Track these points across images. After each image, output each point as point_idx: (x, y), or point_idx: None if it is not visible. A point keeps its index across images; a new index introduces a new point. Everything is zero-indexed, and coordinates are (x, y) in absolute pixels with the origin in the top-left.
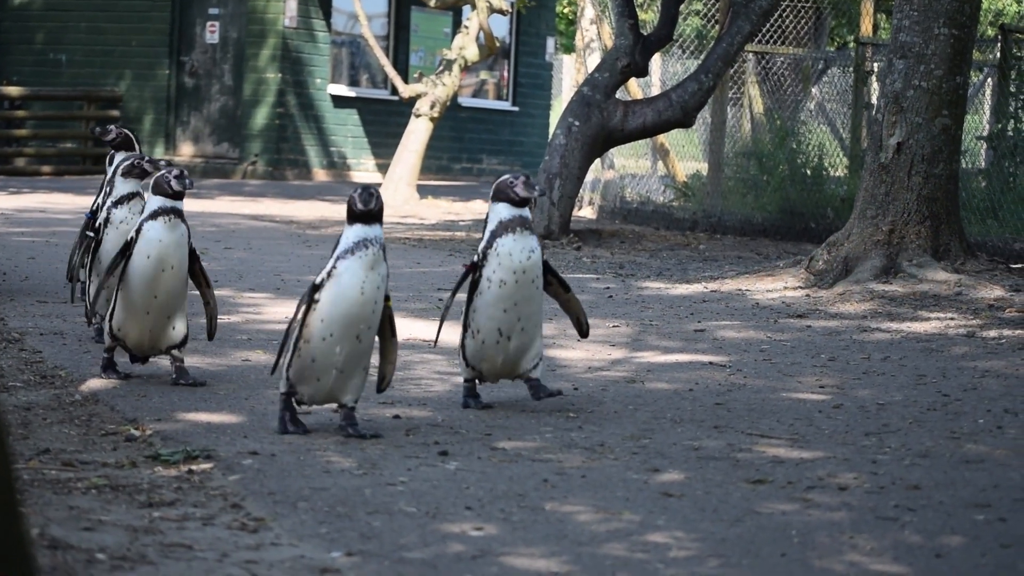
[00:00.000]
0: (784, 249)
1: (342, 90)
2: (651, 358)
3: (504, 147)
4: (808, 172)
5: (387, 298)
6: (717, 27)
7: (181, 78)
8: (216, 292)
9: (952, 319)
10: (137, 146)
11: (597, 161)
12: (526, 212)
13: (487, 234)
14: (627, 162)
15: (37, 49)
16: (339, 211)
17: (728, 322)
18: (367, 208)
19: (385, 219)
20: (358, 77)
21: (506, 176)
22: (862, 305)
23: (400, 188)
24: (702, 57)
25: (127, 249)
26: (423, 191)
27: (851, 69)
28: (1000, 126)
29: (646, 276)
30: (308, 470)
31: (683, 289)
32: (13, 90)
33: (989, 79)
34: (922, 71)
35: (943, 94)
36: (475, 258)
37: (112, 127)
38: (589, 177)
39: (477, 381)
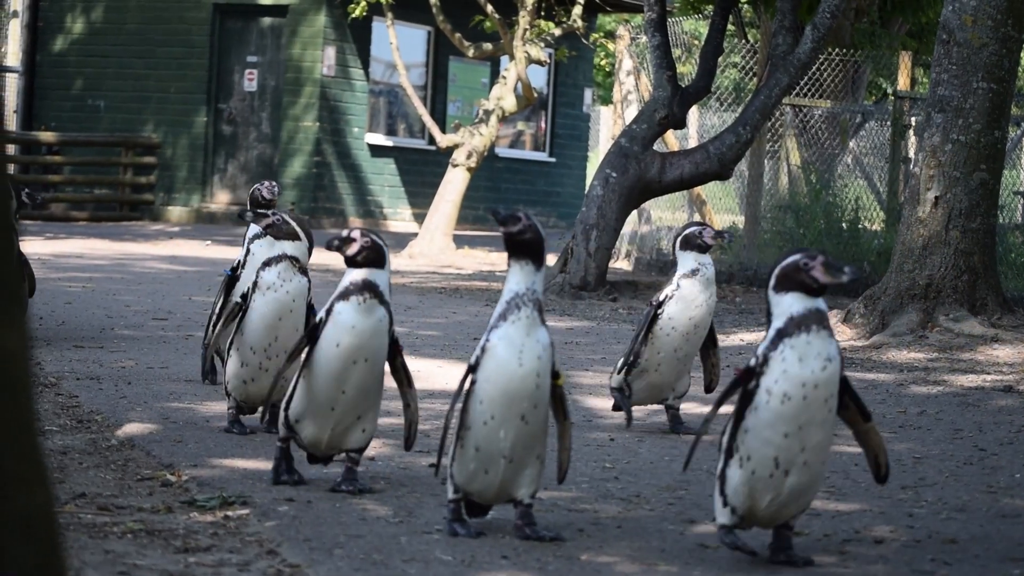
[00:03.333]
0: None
1: (379, 139)
2: (687, 409)
3: (540, 198)
4: (844, 226)
5: (557, 375)
6: (755, 80)
7: (219, 125)
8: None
9: (988, 373)
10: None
11: (634, 213)
12: (823, 305)
13: (772, 332)
14: (664, 214)
15: (75, 95)
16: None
17: None
18: (520, 235)
19: (421, 268)
20: (395, 126)
21: (796, 256)
22: (899, 358)
23: (436, 238)
24: (740, 110)
25: (314, 332)
26: (459, 241)
27: (888, 123)
28: None
29: None
30: (344, 517)
31: (720, 341)
32: (50, 136)
33: None
34: (960, 125)
35: (981, 148)
36: (751, 362)
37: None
38: (626, 229)
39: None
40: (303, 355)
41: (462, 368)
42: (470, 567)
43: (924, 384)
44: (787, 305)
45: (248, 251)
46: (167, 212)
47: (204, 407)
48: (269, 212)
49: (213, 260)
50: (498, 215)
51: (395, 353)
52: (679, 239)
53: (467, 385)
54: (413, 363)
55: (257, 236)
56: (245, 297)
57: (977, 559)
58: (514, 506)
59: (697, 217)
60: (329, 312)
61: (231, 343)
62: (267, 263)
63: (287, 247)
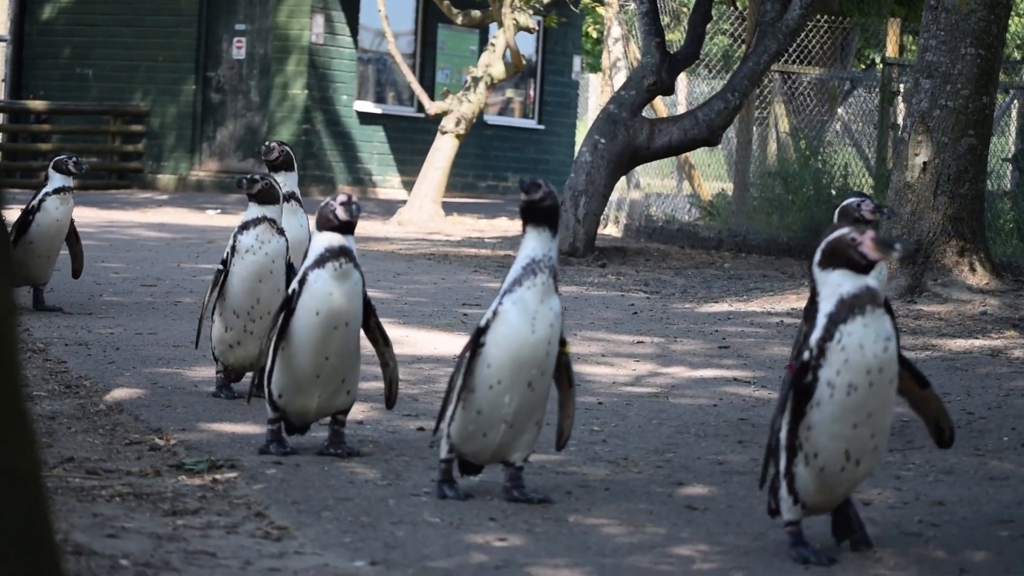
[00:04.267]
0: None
1: (368, 107)
2: (676, 374)
3: (529, 165)
4: (833, 192)
5: (563, 343)
6: (744, 47)
7: (207, 94)
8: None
9: (977, 338)
10: (295, 165)
11: (623, 180)
12: (872, 281)
13: (822, 318)
14: (652, 181)
15: (63, 64)
16: (363, 227)
17: (753, 339)
18: (530, 199)
19: (410, 235)
20: (384, 94)
21: (844, 231)
22: None
23: (425, 205)
24: (728, 76)
25: (288, 303)
26: (448, 208)
27: (877, 89)
28: None
29: (671, 294)
30: (332, 480)
31: (708, 307)
32: (39, 104)
33: (1015, 101)
34: (948, 91)
35: (969, 114)
36: (805, 355)
37: (275, 144)
38: (614, 196)
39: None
40: (278, 328)
41: (449, 334)
42: (458, 529)
43: (912, 349)
44: (835, 284)
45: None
46: (156, 180)
47: (192, 372)
48: (258, 176)
49: (201, 228)
50: (523, 183)
51: (369, 314)
52: (837, 211)
53: (474, 347)
54: (401, 329)
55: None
56: (226, 263)
57: (965, 521)
58: (504, 467)
59: (686, 184)
60: (303, 281)
61: (214, 308)
62: (244, 226)
63: (266, 210)
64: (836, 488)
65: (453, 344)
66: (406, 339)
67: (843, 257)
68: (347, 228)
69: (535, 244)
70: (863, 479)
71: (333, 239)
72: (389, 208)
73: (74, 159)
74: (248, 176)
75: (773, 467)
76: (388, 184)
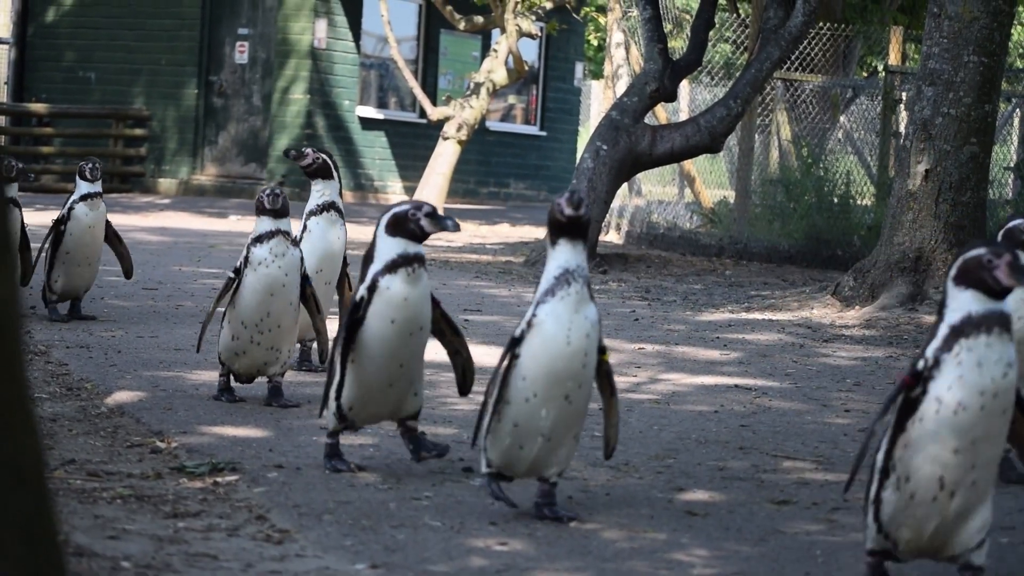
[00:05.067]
0: (810, 276)
1: (370, 112)
2: (677, 380)
3: (531, 172)
4: (835, 200)
5: (603, 351)
6: (746, 54)
7: (209, 98)
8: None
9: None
10: (336, 173)
11: (624, 187)
12: (1007, 307)
13: (944, 329)
14: (654, 188)
15: (66, 67)
16: (364, 232)
17: (754, 346)
18: (576, 214)
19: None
20: (386, 99)
21: (981, 250)
22: (888, 331)
23: None
24: (731, 83)
25: (357, 312)
26: (450, 214)
27: (879, 97)
28: None
29: (672, 300)
30: (333, 484)
31: (709, 314)
32: (41, 107)
33: (1017, 109)
34: (951, 98)
35: (972, 122)
36: (919, 364)
37: (309, 150)
38: (616, 203)
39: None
40: (343, 340)
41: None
42: (459, 533)
43: (913, 356)
44: (965, 302)
45: (305, 227)
46: (157, 184)
47: (193, 375)
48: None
49: (203, 232)
50: (571, 198)
51: (434, 305)
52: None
53: (509, 359)
54: None
55: (312, 213)
56: (239, 271)
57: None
58: (538, 482)
59: (687, 191)
60: (374, 288)
61: (224, 314)
62: (258, 239)
63: (280, 223)
64: (925, 522)
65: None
66: None
67: (977, 278)
68: (421, 237)
69: (568, 255)
70: (957, 519)
71: (408, 246)
72: None
73: (91, 165)
74: (267, 191)
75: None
76: (390, 190)
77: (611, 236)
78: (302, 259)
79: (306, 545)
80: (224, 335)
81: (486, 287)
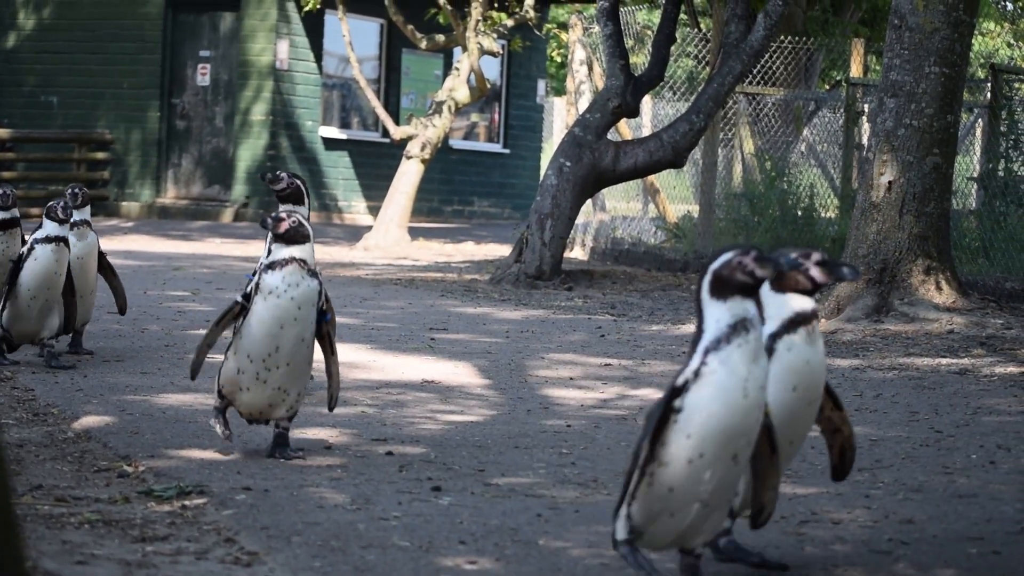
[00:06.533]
0: None
1: (333, 132)
2: (643, 396)
3: (495, 189)
4: (799, 213)
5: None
6: (708, 69)
7: (172, 120)
8: (201, 330)
9: (944, 357)
10: (307, 199)
11: (588, 203)
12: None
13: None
14: (618, 204)
15: (28, 91)
16: (329, 253)
17: None
18: (768, 277)
19: (377, 260)
20: (349, 119)
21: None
22: (855, 343)
23: (391, 230)
24: (693, 98)
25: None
26: (414, 233)
27: (842, 109)
28: (991, 166)
29: (638, 316)
30: (301, 505)
31: (675, 329)
32: (3, 132)
33: (980, 120)
34: (913, 110)
35: (934, 132)
36: None
37: (284, 174)
38: (580, 219)
39: None
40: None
41: (418, 358)
42: (428, 552)
43: (880, 368)
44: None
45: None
46: (121, 207)
47: (160, 399)
48: (284, 215)
49: (168, 254)
50: (762, 259)
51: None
52: None
53: (667, 413)
54: (369, 354)
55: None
56: (248, 297)
57: (935, 539)
58: (680, 553)
59: (651, 207)
60: (771, 349)
61: (229, 344)
62: (271, 266)
63: (295, 250)
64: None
65: (421, 368)
66: (373, 363)
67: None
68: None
69: (744, 306)
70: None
71: (803, 303)
72: (355, 233)
73: (64, 199)
74: (273, 215)
75: None
76: (354, 209)
77: (576, 252)
78: (320, 291)
79: (275, 567)
80: (228, 366)
81: (452, 305)
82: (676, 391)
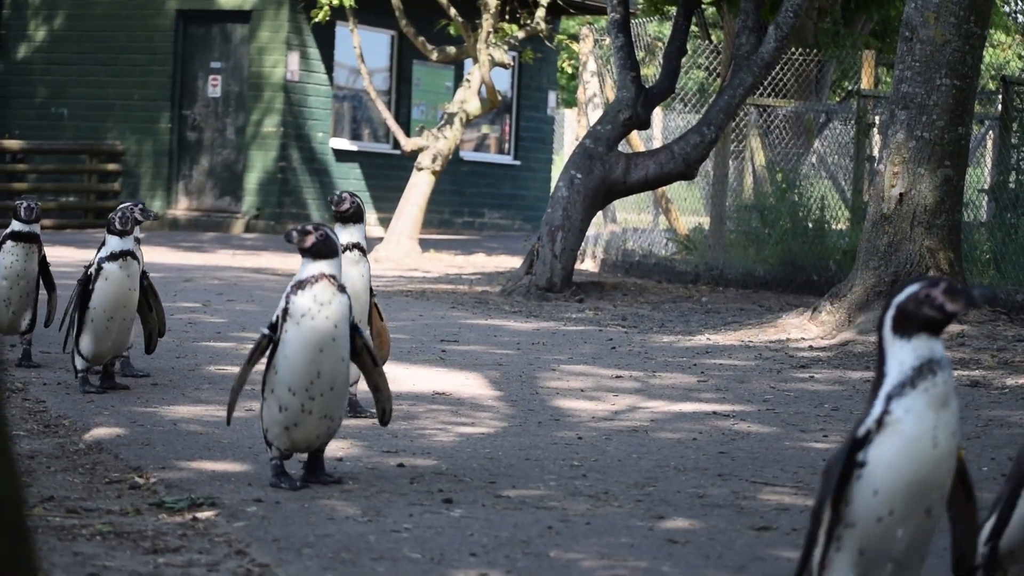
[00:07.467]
0: (786, 301)
1: (344, 144)
2: (655, 408)
3: (506, 201)
4: (810, 225)
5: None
6: (719, 81)
7: (183, 132)
8: (219, 344)
9: (956, 369)
10: (363, 217)
11: (599, 215)
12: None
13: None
14: (629, 216)
15: (39, 103)
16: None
17: (731, 373)
18: (960, 311)
19: (387, 272)
20: (360, 131)
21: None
22: (865, 355)
23: (402, 242)
24: (704, 110)
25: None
26: (425, 245)
27: (852, 121)
28: (1002, 178)
29: (649, 328)
30: (312, 517)
31: (686, 340)
32: (14, 143)
33: (991, 132)
34: (924, 121)
35: (945, 144)
36: None
37: (346, 195)
38: (591, 231)
39: None
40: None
41: (429, 369)
42: (439, 564)
43: None
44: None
45: None
46: None
47: (171, 411)
48: (310, 227)
49: (179, 266)
50: (973, 297)
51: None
52: None
53: (850, 467)
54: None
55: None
56: (275, 328)
57: (946, 551)
58: None
59: (662, 219)
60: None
61: (264, 383)
62: (299, 285)
63: (323, 266)
64: None
65: (432, 380)
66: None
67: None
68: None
69: (931, 346)
70: None
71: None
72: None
73: (140, 206)
74: (299, 228)
75: None
76: (365, 221)
77: (587, 264)
78: (350, 306)
79: None
80: (269, 410)
81: (463, 317)
82: (858, 443)
